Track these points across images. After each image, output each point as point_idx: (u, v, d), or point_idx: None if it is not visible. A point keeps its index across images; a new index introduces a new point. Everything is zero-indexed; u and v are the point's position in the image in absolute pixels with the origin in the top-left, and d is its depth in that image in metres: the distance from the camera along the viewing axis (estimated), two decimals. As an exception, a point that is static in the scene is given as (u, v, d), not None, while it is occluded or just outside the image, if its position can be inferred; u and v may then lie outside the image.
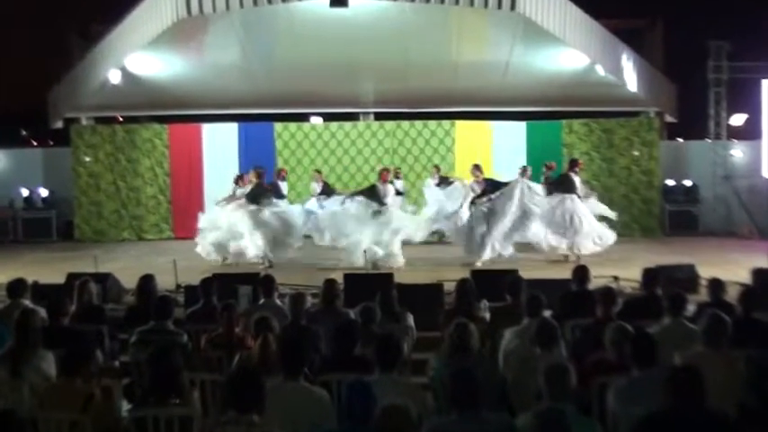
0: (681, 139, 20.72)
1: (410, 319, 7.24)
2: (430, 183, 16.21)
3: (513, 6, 14.66)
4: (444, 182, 15.88)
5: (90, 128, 19.19)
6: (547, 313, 6.67)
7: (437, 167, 16.88)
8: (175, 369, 4.89)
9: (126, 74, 17.21)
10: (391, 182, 14.01)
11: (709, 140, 18.93)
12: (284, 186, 15.03)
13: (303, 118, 20.99)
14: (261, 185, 13.68)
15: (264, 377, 4.50)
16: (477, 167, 14.09)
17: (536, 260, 13.39)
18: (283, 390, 4.82)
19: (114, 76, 17.06)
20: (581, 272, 7.90)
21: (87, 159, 18.77)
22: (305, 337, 6.22)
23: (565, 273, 8.61)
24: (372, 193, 13.38)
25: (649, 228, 18.11)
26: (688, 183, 18.63)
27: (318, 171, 17.11)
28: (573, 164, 14.47)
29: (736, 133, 19.60)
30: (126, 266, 12.80)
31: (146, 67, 17.30)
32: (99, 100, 17.94)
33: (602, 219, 14.24)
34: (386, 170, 13.91)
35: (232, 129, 19.12)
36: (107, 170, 18.83)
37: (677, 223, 18.29)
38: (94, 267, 11.15)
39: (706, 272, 9.75)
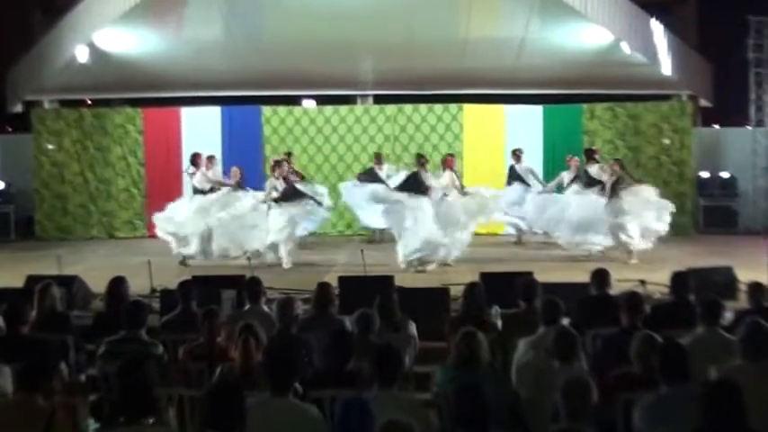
0: (717, 126, 20.69)
1: (412, 328, 7.24)
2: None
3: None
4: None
5: (53, 112, 19.19)
6: (565, 321, 6.67)
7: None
8: (148, 384, 4.88)
9: (94, 51, 17.18)
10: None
11: (749, 127, 18.91)
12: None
13: (294, 101, 20.96)
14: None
15: (247, 392, 4.50)
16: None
17: (555, 258, 13.45)
18: (270, 407, 4.82)
19: (81, 54, 17.05)
20: (600, 275, 7.92)
21: (50, 147, 18.75)
22: (295, 347, 6.22)
23: (583, 275, 8.60)
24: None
25: (681, 225, 17.99)
26: (725, 174, 18.60)
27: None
28: (590, 154, 14.72)
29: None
30: (94, 268, 12.79)
31: (117, 43, 17.28)
32: (64, 81, 17.91)
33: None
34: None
35: (215, 113, 19.11)
36: (73, 159, 18.81)
37: (713, 220, 18.29)
38: (58, 269, 11.10)
39: (745, 275, 9.72)
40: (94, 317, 8.18)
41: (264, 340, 6.08)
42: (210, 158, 14.81)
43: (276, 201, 13.63)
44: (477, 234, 15.06)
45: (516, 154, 16.25)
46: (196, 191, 14.27)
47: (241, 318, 6.99)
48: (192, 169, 14.52)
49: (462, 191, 13.91)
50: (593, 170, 14.59)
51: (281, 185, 13.78)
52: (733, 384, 4.34)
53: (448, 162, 14.12)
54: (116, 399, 5.02)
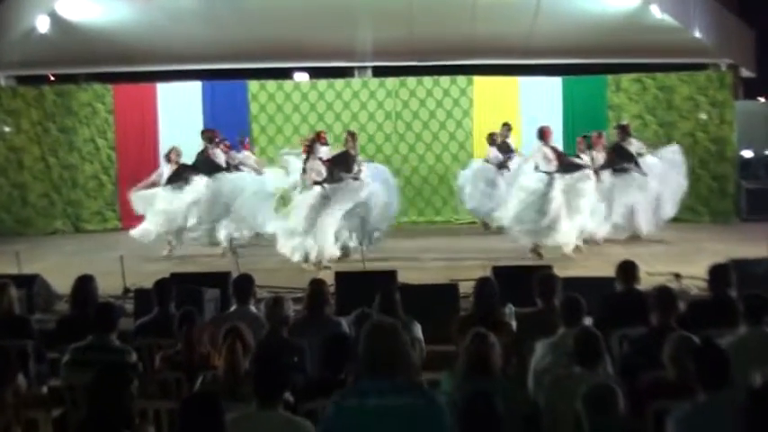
0: (762, 99, 20.67)
1: (417, 330, 7.25)
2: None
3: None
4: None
5: (11, 90, 19.20)
6: (587, 321, 6.67)
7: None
8: (122, 397, 4.88)
9: (57, 20, 17.19)
10: None
11: (798, 99, 18.92)
12: (325, 150, 14.88)
13: (284, 74, 20.98)
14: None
15: (232, 404, 4.50)
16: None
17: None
18: (257, 421, 4.81)
19: (42, 24, 17.03)
20: (627, 268, 7.92)
21: (7, 130, 18.77)
22: (285, 353, 6.22)
23: (608, 269, 8.60)
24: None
25: (721, 211, 18.09)
26: (773, 153, 18.54)
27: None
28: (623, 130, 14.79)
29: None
30: (58, 265, 12.80)
31: (83, 11, 17.29)
32: (22, 54, 17.87)
33: None
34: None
35: (195, 89, 19.18)
36: (33, 143, 18.82)
37: (757, 205, 18.20)
38: (17, 267, 11.14)
39: (795, 267, 9.73)
40: (58, 321, 8.14)
41: (253, 345, 6.07)
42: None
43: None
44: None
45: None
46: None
47: (227, 321, 7.00)
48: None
49: None
50: (635, 146, 14.68)
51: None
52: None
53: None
54: (84, 414, 5.02)
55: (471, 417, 4.45)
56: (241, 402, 5.05)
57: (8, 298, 7.70)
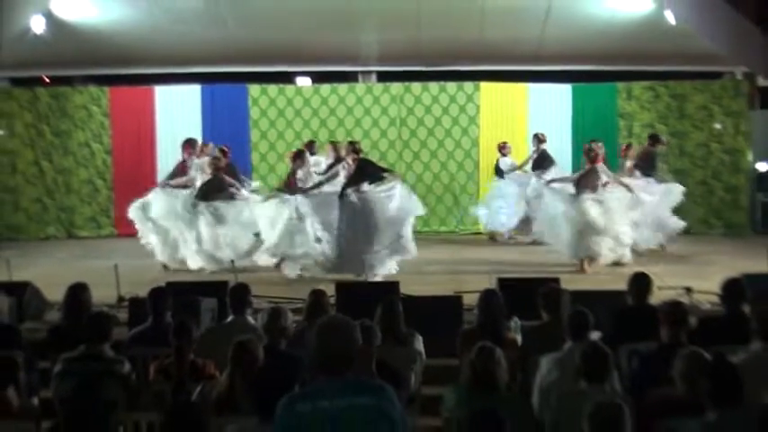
0: (778, 109, 20.66)
1: (419, 343, 7.25)
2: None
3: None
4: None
5: (4, 91, 19.23)
6: (595, 335, 6.67)
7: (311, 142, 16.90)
8: (107, 407, 4.88)
9: (52, 21, 17.18)
10: None
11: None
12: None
13: (286, 78, 21.01)
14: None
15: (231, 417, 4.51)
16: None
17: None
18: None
19: (37, 24, 17.05)
20: (640, 281, 7.91)
21: (0, 133, 18.76)
22: (285, 365, 6.22)
23: (618, 283, 8.60)
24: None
25: (734, 224, 18.08)
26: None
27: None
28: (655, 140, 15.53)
29: None
30: (50, 273, 12.79)
31: (79, 11, 17.27)
32: (16, 55, 17.82)
33: None
34: None
35: (194, 92, 19.18)
36: (26, 146, 18.81)
37: (772, 219, 18.26)
38: (7, 275, 11.16)
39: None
40: (49, 330, 8.15)
41: (261, 359, 6.08)
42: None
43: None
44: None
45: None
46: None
47: (223, 330, 7.00)
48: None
49: None
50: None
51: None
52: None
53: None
54: (68, 426, 5.02)
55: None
56: (241, 415, 5.06)
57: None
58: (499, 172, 17.10)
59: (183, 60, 19.08)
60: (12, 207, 18.73)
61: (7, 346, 7.12)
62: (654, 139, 15.68)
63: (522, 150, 17.30)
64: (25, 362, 6.96)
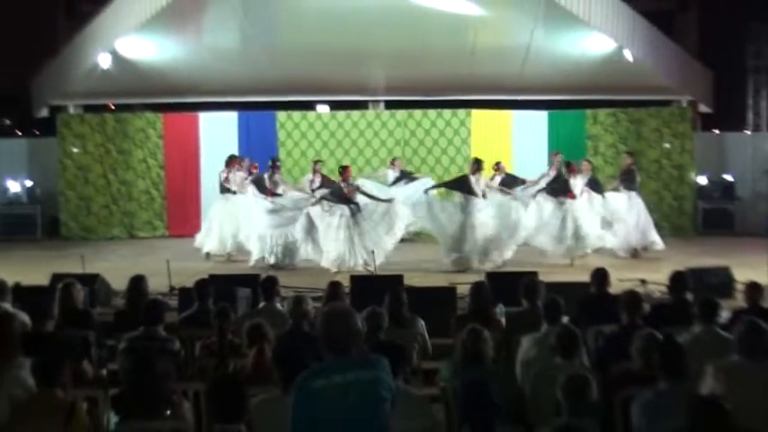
0: (717, 131, 20.61)
1: (420, 325, 7.25)
2: (389, 175, 16.34)
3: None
4: (406, 176, 16.12)
5: (78, 116, 19.21)
6: (565, 319, 6.67)
7: (394, 160, 16.97)
8: (160, 378, 4.89)
9: (117, 58, 17.24)
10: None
11: (748, 132, 18.81)
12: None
13: (308, 106, 20.94)
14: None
15: (260, 387, 4.51)
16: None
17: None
18: (281, 404, 4.78)
19: (104, 61, 17.11)
20: (601, 274, 7.95)
21: (75, 150, 18.77)
22: (307, 344, 6.22)
23: (584, 276, 8.61)
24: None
25: (680, 227, 18.02)
26: (729, 178, 18.34)
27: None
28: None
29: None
30: (116, 267, 12.78)
31: (138, 50, 17.33)
32: (87, 86, 17.96)
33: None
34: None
35: (231, 118, 19.14)
36: (96, 162, 18.82)
37: (711, 222, 18.14)
38: (81, 268, 11.15)
39: (742, 275, 9.71)
40: (115, 314, 8.20)
41: (272, 338, 6.09)
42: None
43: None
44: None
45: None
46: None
47: (255, 315, 7.01)
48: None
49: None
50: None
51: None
52: (719, 406, 4.26)
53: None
54: (130, 393, 5.04)
55: (468, 400, 4.45)
56: (268, 386, 5.06)
57: (74, 294, 7.71)
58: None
59: (223, 91, 19.15)
60: (84, 212, 18.74)
61: (83, 327, 7.19)
62: (632, 155, 15.47)
63: (507, 168, 17.19)
64: (96, 340, 7.05)
